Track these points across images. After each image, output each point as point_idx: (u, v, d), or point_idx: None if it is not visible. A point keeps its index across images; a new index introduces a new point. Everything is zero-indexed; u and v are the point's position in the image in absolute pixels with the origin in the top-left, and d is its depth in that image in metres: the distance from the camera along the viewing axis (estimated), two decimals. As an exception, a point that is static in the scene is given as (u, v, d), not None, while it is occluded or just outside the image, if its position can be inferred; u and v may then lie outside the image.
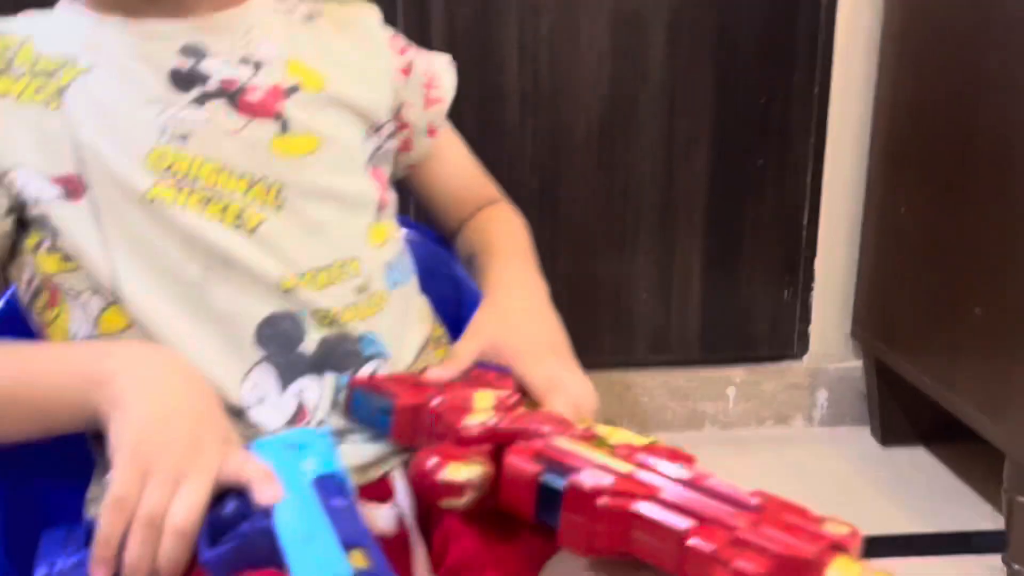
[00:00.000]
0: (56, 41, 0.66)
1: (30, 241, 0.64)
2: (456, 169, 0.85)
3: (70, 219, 0.63)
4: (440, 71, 0.82)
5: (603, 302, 1.50)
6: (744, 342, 1.55)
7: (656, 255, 1.49)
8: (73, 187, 0.63)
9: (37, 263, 0.64)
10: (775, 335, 1.55)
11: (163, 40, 0.66)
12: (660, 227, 1.48)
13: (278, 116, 0.67)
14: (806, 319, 1.55)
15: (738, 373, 1.56)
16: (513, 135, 1.42)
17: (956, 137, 1.27)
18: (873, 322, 1.50)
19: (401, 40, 0.79)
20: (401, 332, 0.69)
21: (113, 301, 0.62)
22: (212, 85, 0.65)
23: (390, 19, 0.80)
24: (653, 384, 1.54)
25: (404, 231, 0.76)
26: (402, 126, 0.78)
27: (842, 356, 1.58)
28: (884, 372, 1.49)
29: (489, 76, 1.39)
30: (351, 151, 0.71)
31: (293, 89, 0.68)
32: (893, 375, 1.45)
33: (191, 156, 0.64)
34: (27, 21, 0.68)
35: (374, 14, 0.78)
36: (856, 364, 1.57)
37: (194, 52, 0.66)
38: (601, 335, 1.51)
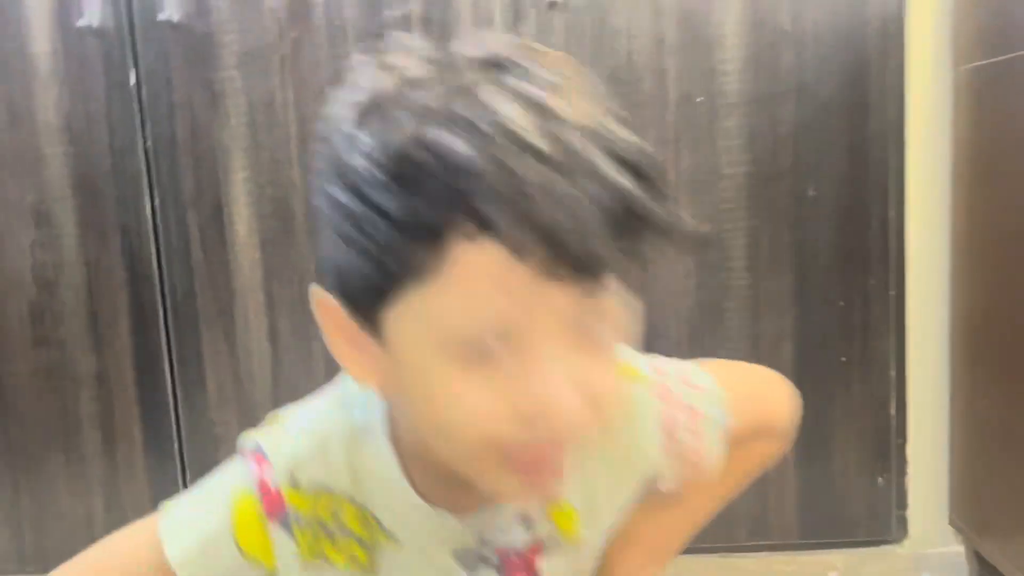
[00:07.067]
0: (384, 508, 0.64)
1: None
2: None
3: None
4: (709, 449, 0.71)
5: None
6: (842, 528, 1.62)
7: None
8: None
9: None
10: (873, 521, 1.61)
11: (460, 532, 0.65)
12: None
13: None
14: (903, 505, 1.61)
15: (839, 558, 1.62)
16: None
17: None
18: (968, 512, 1.54)
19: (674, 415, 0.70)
20: None
21: None
22: (488, 553, 0.66)
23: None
24: (755, 568, 1.62)
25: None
26: None
27: (944, 541, 1.62)
28: (982, 561, 1.52)
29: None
30: None
31: (552, 541, 0.68)
32: (991, 565, 1.49)
33: None
34: (347, 474, 0.63)
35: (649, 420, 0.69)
36: (959, 548, 1.61)
37: (483, 541, 0.66)
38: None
